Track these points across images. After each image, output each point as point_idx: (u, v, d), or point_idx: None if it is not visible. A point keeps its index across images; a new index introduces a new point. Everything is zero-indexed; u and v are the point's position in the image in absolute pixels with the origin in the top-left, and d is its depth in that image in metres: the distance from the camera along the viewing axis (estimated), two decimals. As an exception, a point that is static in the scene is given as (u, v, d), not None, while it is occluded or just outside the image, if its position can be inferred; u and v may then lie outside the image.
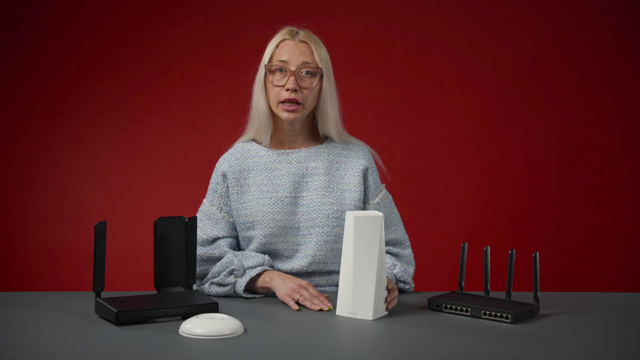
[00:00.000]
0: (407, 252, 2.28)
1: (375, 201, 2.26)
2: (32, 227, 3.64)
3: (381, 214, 1.91)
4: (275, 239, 2.21)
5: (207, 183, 2.31)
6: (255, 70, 2.25)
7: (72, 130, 3.63)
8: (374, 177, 2.27)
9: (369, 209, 2.24)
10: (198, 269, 2.20)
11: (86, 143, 3.64)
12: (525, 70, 3.63)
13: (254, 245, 2.22)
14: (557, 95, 3.63)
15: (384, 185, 2.31)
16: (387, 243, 2.26)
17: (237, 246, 2.28)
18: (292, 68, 2.17)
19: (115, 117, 3.64)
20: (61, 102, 3.63)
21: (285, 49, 2.19)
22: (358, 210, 2.22)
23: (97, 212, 3.60)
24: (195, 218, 2.01)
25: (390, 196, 2.31)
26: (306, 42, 2.20)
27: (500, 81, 3.64)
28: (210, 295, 2.16)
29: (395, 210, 2.31)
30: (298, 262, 2.20)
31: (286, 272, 2.19)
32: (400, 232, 2.29)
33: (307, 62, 2.18)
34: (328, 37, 2.31)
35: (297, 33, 2.22)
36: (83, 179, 3.64)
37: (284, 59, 2.18)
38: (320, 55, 2.20)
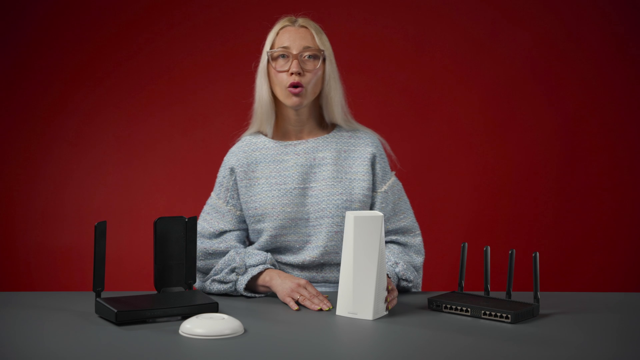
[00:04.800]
0: (417, 240, 2.27)
1: (384, 189, 2.25)
2: (32, 227, 3.64)
3: (381, 214, 1.91)
4: (285, 231, 2.20)
5: (208, 183, 2.31)
6: (257, 61, 2.25)
7: (72, 130, 3.63)
8: (381, 165, 2.27)
9: (377, 198, 2.24)
10: (203, 263, 2.20)
11: (86, 143, 3.64)
12: (525, 70, 3.63)
13: (264, 237, 2.21)
14: (556, 95, 3.63)
15: (393, 172, 2.31)
16: (396, 231, 2.25)
17: (247, 239, 2.28)
18: (294, 52, 2.17)
19: (115, 117, 3.64)
20: (61, 102, 3.63)
21: (286, 35, 2.20)
22: (367, 199, 2.21)
23: (97, 212, 3.60)
24: (195, 218, 2.01)
25: (399, 184, 2.30)
26: (306, 27, 2.22)
27: (500, 81, 3.64)
28: (211, 293, 2.16)
29: (405, 197, 2.30)
30: (309, 254, 2.19)
31: (298, 264, 2.20)
32: (410, 220, 2.28)
33: (309, 46, 2.19)
34: (328, 37, 2.32)
35: (296, 20, 2.23)
36: (83, 179, 3.64)
37: (285, 44, 2.18)
38: (322, 39, 2.21)
